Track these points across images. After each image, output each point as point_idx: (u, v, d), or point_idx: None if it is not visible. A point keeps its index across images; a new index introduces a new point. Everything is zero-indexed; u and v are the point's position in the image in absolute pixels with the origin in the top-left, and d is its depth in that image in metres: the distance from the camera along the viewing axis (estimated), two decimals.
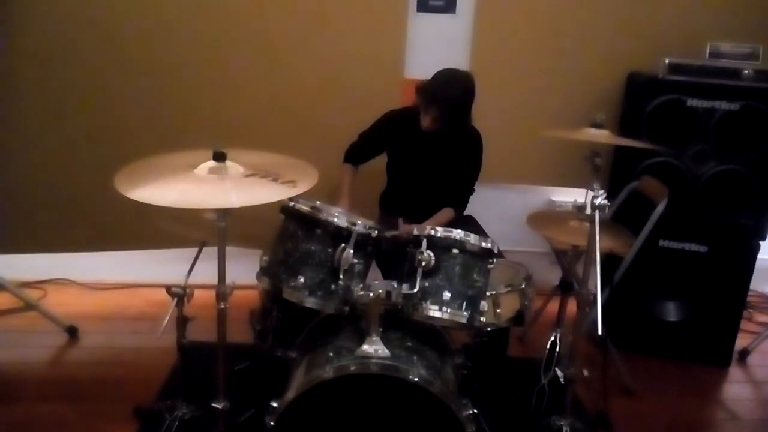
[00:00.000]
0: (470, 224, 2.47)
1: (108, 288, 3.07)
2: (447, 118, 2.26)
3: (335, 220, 1.72)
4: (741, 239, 2.65)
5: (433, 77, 2.26)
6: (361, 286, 1.72)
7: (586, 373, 2.03)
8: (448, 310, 1.70)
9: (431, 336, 1.87)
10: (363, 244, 1.75)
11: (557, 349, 2.09)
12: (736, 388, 2.70)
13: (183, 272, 1.91)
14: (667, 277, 2.75)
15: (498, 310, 1.84)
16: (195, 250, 1.97)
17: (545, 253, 3.00)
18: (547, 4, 2.81)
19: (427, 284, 1.70)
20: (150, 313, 2.83)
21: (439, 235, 1.71)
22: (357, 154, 2.51)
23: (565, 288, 2.22)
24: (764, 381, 2.75)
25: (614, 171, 2.78)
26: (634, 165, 2.63)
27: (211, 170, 1.65)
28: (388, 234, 1.83)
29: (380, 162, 2.55)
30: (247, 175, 1.66)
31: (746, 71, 2.54)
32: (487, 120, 2.49)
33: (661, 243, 2.69)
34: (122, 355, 2.56)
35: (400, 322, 1.76)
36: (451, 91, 2.23)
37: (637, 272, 2.60)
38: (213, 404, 1.74)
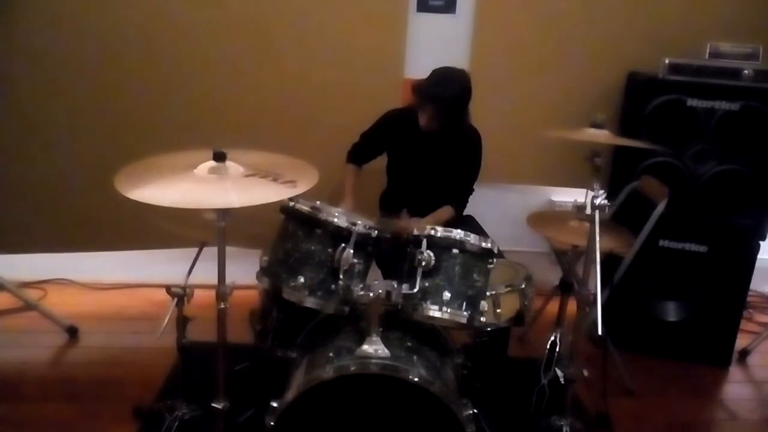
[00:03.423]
0: (470, 224, 2.47)
1: (108, 288, 3.07)
2: (443, 117, 2.27)
3: (335, 220, 1.72)
4: (741, 239, 2.65)
5: (429, 76, 2.27)
6: (361, 286, 1.72)
7: (586, 373, 2.03)
8: (448, 310, 1.70)
9: (431, 336, 1.87)
10: (363, 244, 1.75)
11: (557, 349, 2.09)
12: (736, 388, 2.70)
13: (183, 272, 1.91)
14: (667, 277, 2.75)
15: (498, 310, 1.84)
16: (195, 250, 1.97)
17: (545, 253, 3.00)
18: (547, 4, 2.81)
19: (427, 284, 1.70)
20: (150, 313, 2.82)
21: (439, 235, 1.71)
22: (359, 154, 2.51)
23: (565, 288, 2.22)
24: (764, 381, 2.75)
25: (614, 171, 2.78)
26: (634, 165, 2.63)
27: (211, 170, 1.65)
28: (389, 224, 1.82)
29: (380, 162, 2.55)
30: (247, 175, 1.66)
31: (746, 71, 2.54)
32: (487, 120, 2.49)
33: (661, 243, 2.69)
34: (122, 355, 2.56)
35: (400, 322, 1.76)
36: (447, 90, 2.23)
37: (637, 272, 2.60)
38: (213, 404, 1.74)
